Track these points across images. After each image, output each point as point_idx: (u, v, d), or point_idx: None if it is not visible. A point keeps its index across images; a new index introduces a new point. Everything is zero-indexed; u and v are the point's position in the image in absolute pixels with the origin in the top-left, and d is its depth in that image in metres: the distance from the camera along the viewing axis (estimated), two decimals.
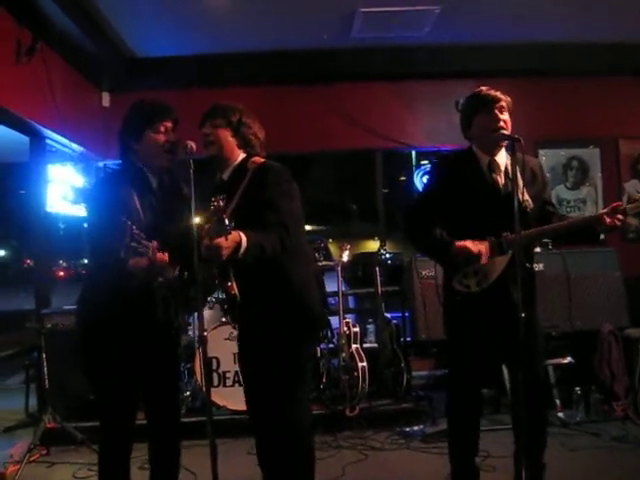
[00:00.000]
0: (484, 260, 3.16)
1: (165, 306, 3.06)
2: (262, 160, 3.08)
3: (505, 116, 3.24)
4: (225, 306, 3.05)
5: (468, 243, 3.16)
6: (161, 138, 3.07)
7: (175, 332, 3.17)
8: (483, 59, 6.53)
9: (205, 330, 2.93)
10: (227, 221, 2.57)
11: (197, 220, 2.79)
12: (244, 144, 3.09)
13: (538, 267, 5.23)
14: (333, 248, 6.38)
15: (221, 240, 2.58)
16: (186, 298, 3.11)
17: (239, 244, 2.67)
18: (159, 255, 2.86)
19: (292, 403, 2.97)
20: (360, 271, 6.70)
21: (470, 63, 6.55)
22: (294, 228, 2.90)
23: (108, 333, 2.97)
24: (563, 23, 5.95)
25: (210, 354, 5.04)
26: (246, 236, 2.70)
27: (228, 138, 3.07)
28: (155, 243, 2.83)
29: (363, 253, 7.31)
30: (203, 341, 2.88)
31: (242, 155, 3.10)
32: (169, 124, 3.10)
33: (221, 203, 2.53)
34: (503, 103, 3.25)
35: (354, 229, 11.65)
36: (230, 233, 2.60)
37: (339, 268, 5.62)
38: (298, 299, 2.99)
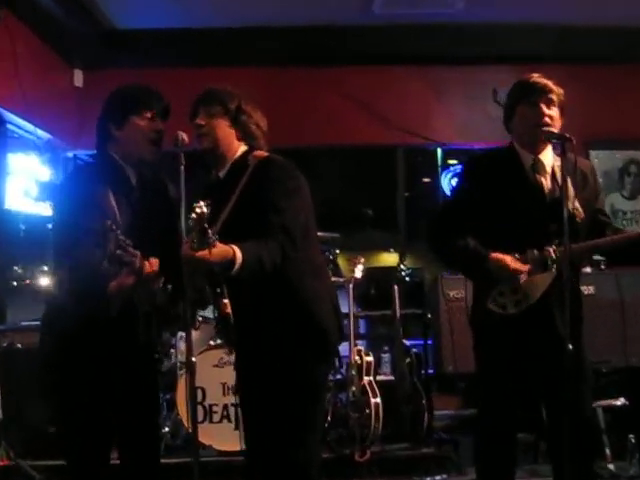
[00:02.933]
0: (524, 277, 3.17)
1: (147, 324, 3.05)
2: (265, 154, 3.08)
3: (553, 111, 3.25)
4: (217, 326, 3.05)
5: (507, 257, 3.17)
6: (147, 125, 3.10)
7: (157, 355, 3.17)
8: (526, 41, 6.56)
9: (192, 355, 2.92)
10: (210, 232, 2.57)
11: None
12: (244, 136, 3.10)
13: (588, 290, 5.23)
14: (342, 261, 6.37)
15: (204, 253, 2.58)
16: (170, 315, 3.11)
17: (232, 260, 2.68)
18: (148, 266, 2.84)
19: (300, 447, 2.95)
20: (374, 289, 6.69)
21: (510, 46, 6.59)
22: (300, 233, 2.90)
23: (79, 354, 2.96)
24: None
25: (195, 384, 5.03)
26: (241, 250, 2.69)
27: (226, 129, 3.07)
28: (139, 253, 2.83)
29: (378, 268, 7.34)
30: (191, 368, 2.86)
31: (242, 148, 3.11)
32: (156, 111, 3.12)
33: (204, 209, 2.53)
34: (553, 96, 3.25)
35: (368, 239, 11.59)
36: (214, 246, 2.60)
37: (350, 286, 5.60)
38: (307, 319, 2.98)
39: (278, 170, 3.00)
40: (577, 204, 3.17)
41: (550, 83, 3.28)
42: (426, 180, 10.15)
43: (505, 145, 3.42)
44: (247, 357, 3.11)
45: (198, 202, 2.54)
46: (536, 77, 3.30)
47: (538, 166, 3.30)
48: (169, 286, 3.04)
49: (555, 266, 3.16)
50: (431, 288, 5.89)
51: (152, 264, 2.86)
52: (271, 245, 2.80)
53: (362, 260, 5.78)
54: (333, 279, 5.75)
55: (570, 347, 2.90)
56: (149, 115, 3.10)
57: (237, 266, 2.69)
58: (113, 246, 2.68)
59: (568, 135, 3.07)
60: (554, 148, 3.33)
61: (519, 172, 3.30)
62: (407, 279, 6.48)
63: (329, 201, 8.97)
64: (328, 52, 6.75)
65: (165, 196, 3.22)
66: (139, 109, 3.09)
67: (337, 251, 5.86)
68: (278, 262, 2.82)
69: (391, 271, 6.48)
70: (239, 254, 2.69)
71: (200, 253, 2.59)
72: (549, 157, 3.33)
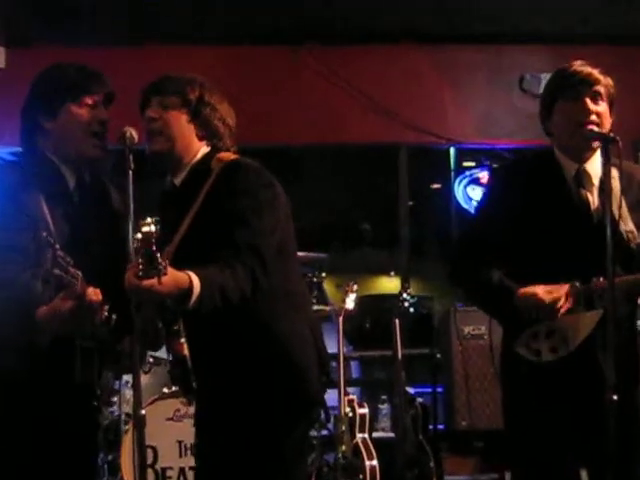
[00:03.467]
0: (561, 312, 3.17)
1: (85, 361, 3.00)
2: (232, 157, 3.07)
3: (601, 107, 3.22)
4: (172, 371, 3.03)
5: (538, 289, 3.16)
6: (86, 114, 3.08)
7: (97, 403, 3.15)
8: (560, 18, 6.56)
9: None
10: (160, 257, 2.56)
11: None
12: (207, 134, 3.09)
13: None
14: (330, 287, 6.38)
15: (152, 282, 2.56)
16: (114, 351, 3.09)
17: (188, 290, 2.65)
18: (92, 292, 2.80)
19: None
20: (370, 323, 6.70)
21: (541, 23, 6.59)
22: (274, 256, 2.90)
23: None
24: None
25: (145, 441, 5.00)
26: (199, 278, 2.67)
27: (183, 125, 3.06)
28: (80, 274, 2.79)
29: (375, 296, 7.33)
30: (139, 421, 2.82)
31: (203, 150, 3.10)
32: (99, 98, 3.10)
33: (153, 228, 2.51)
34: (600, 88, 3.23)
35: (363, 259, 11.64)
36: (164, 274, 2.59)
37: (340, 318, 5.60)
38: (281, 362, 2.96)
39: (247, 177, 2.99)
40: (631, 225, 3.16)
41: (596, 72, 3.27)
42: (435, 187, 10.22)
43: (544, 149, 3.41)
44: (206, 410, 3.09)
45: (145, 218, 2.52)
46: (578, 65, 3.30)
47: (583, 178, 3.28)
48: (114, 316, 3.03)
49: (602, 303, 3.14)
50: (442, 322, 5.88)
51: (96, 293, 2.84)
52: (238, 271, 2.78)
53: (355, 287, 5.78)
54: (317, 308, 5.76)
55: (615, 398, 2.88)
56: (90, 102, 3.08)
57: (194, 298, 2.67)
58: (50, 264, 2.64)
59: (612, 135, 3.06)
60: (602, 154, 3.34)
61: (560, 185, 3.28)
62: (411, 310, 6.49)
63: (315, 213, 8.99)
64: (313, 27, 6.73)
65: (108, 204, 3.20)
66: (77, 94, 3.06)
67: (323, 275, 5.85)
68: (248, 292, 2.81)
69: (391, 300, 6.48)
70: (197, 283, 2.67)
71: (147, 282, 2.57)
72: (597, 167, 3.31)
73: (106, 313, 2.96)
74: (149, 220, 2.51)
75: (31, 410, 2.96)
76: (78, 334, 2.93)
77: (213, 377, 2.97)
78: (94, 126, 3.08)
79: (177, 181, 3.10)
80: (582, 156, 3.28)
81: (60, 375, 2.96)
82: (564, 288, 3.18)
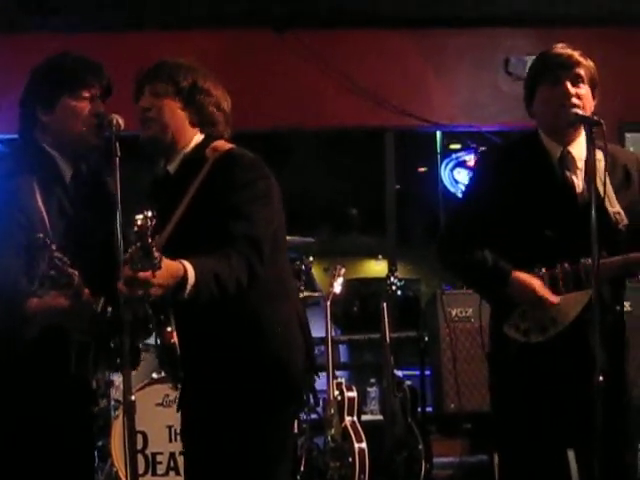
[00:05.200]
0: (554, 304, 3.18)
1: (81, 356, 3.00)
2: (228, 146, 3.06)
3: (582, 89, 3.24)
4: (160, 358, 3.03)
5: (534, 282, 3.19)
6: (83, 107, 3.05)
7: (93, 396, 3.16)
8: (545, 0, 6.54)
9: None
10: (156, 252, 2.55)
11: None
12: (201, 120, 3.08)
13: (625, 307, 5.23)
14: (318, 271, 6.38)
15: (147, 274, 2.55)
16: (111, 345, 3.09)
17: (183, 279, 2.65)
18: (88, 291, 2.82)
19: None
20: (358, 307, 6.71)
21: (526, 5, 6.56)
22: (269, 246, 2.90)
23: None
24: None
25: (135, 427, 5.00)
26: (194, 268, 2.67)
27: (176, 112, 3.04)
28: (77, 274, 2.76)
29: (363, 280, 7.34)
30: (129, 407, 2.82)
31: (197, 138, 3.09)
32: (96, 91, 3.08)
33: (149, 222, 2.49)
34: (581, 70, 3.24)
35: (350, 243, 11.65)
36: (159, 268, 2.58)
37: (327, 302, 5.60)
38: (270, 349, 2.97)
39: (244, 169, 2.98)
40: (617, 207, 3.17)
41: (577, 54, 3.28)
42: (422, 170, 10.22)
43: (529, 132, 3.43)
44: (193, 396, 3.10)
45: (140, 210, 2.51)
46: (559, 48, 3.31)
47: (568, 160, 3.30)
48: (109, 309, 3.02)
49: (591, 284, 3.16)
50: (429, 305, 5.87)
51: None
52: (234, 260, 2.78)
53: (343, 270, 5.77)
54: (307, 294, 5.76)
55: (601, 379, 2.89)
56: (87, 95, 3.06)
57: (189, 288, 2.67)
58: (46, 266, 2.63)
59: (597, 118, 3.06)
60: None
61: (545, 168, 3.30)
62: (399, 293, 6.49)
63: (302, 197, 8.98)
64: (300, 12, 6.72)
65: (105, 196, 3.16)
66: (74, 88, 3.05)
67: (311, 259, 5.84)
68: (244, 281, 2.81)
69: (379, 283, 6.50)
70: (191, 273, 2.66)
71: (142, 274, 2.57)
72: (582, 149, 3.31)
73: (100, 306, 2.98)
74: (147, 213, 2.49)
75: (25, 402, 2.97)
76: (74, 329, 2.94)
77: (201, 364, 2.98)
78: (92, 120, 3.07)
79: (171, 168, 3.09)
80: (566, 139, 3.30)
81: (55, 368, 2.97)
82: (554, 273, 3.21)
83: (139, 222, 2.49)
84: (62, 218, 3.01)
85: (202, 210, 2.92)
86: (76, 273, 2.74)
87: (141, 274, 2.54)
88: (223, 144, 3.07)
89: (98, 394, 3.32)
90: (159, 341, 2.96)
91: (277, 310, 3.02)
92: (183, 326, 2.93)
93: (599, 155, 3.19)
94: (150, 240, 2.51)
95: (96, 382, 3.13)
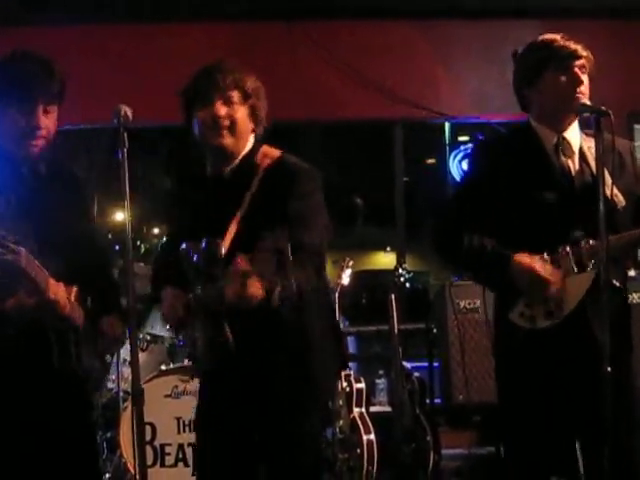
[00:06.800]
0: (557, 284, 3.17)
1: (62, 347, 3.00)
2: (277, 154, 3.12)
3: (585, 80, 3.27)
4: (192, 353, 3.12)
5: (535, 263, 3.18)
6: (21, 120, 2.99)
7: (84, 385, 3.15)
8: None
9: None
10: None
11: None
12: (256, 123, 3.13)
13: (632, 298, 5.22)
14: (326, 263, 6.37)
15: (254, 289, 2.63)
16: (94, 333, 3.10)
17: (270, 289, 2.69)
18: (54, 285, 2.84)
19: None
20: (366, 299, 6.70)
21: None
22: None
23: None
24: None
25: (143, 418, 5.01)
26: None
27: (246, 120, 3.08)
28: (24, 250, 2.75)
29: (371, 272, 7.34)
30: (138, 398, 2.82)
31: (251, 140, 3.14)
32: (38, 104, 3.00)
33: (243, 265, 2.60)
34: (584, 61, 3.27)
35: (359, 235, 11.64)
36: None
37: (335, 294, 5.60)
38: (315, 359, 3.09)
39: (305, 179, 3.06)
40: (616, 190, 3.18)
41: (580, 46, 3.29)
42: (430, 162, 10.23)
43: (519, 124, 3.44)
44: (242, 392, 3.12)
45: (212, 240, 2.66)
46: (562, 39, 3.31)
47: (564, 146, 3.32)
48: (89, 298, 3.05)
49: (594, 265, 3.16)
50: (437, 297, 5.87)
51: (59, 288, 2.88)
52: (308, 268, 2.87)
53: (351, 262, 5.79)
54: None
55: (609, 369, 2.88)
56: (27, 109, 3.00)
57: (276, 296, 2.71)
58: None
59: (605, 108, 3.06)
60: (581, 125, 3.36)
61: (539, 155, 3.32)
62: (407, 285, 6.47)
63: None
64: (308, 4, 6.72)
65: (74, 189, 3.23)
66: (9, 99, 3.00)
67: None
68: (315, 286, 2.94)
69: (387, 275, 6.47)
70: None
71: (251, 290, 2.63)
72: (575, 135, 3.35)
73: (79, 297, 3.01)
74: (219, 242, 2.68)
75: (11, 400, 2.98)
76: (47, 322, 2.95)
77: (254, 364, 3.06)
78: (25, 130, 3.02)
79: (227, 172, 3.12)
80: (561, 126, 3.33)
81: (38, 362, 2.98)
82: (556, 257, 3.21)
83: (237, 266, 2.63)
84: (16, 206, 2.97)
85: (262, 216, 2.92)
86: (21, 249, 2.73)
87: (250, 290, 2.64)
88: (271, 150, 3.14)
89: (91, 383, 3.28)
90: (213, 336, 2.95)
91: (319, 314, 3.14)
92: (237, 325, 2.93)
93: (589, 143, 3.26)
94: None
95: (84, 371, 3.11)
